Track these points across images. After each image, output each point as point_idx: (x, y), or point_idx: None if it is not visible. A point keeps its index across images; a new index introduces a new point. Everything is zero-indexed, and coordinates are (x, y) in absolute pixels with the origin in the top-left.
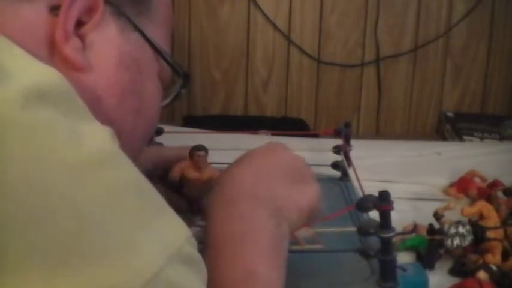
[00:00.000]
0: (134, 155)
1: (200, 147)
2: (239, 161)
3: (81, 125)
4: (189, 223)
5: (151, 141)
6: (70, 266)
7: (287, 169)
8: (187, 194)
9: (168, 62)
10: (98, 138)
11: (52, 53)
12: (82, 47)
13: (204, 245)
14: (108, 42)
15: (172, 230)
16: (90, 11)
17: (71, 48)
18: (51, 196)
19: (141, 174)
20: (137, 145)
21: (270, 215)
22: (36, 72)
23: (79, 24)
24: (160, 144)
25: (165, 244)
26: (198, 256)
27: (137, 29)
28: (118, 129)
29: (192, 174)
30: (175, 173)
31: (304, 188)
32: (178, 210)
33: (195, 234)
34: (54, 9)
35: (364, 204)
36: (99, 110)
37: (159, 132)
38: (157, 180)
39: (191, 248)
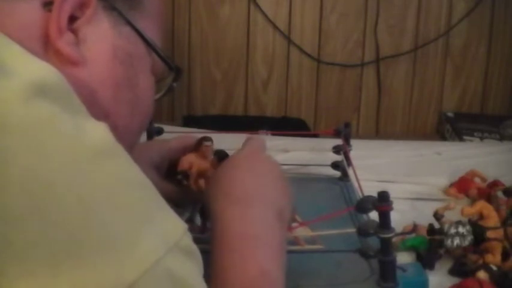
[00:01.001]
0: (128, 150)
1: (207, 138)
2: (233, 164)
3: (80, 119)
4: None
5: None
6: (74, 256)
7: (276, 173)
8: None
9: (159, 56)
10: (99, 130)
11: (46, 48)
12: (76, 42)
13: (210, 244)
14: (101, 37)
15: (171, 223)
16: (82, 6)
17: (64, 43)
18: (56, 187)
19: (139, 167)
20: (132, 139)
21: (276, 217)
22: (36, 69)
23: (72, 19)
24: None
25: (165, 236)
26: (195, 248)
27: (129, 23)
28: (113, 123)
29: (203, 164)
30: (185, 165)
31: (288, 189)
32: (168, 198)
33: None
34: (48, 5)
35: (363, 205)
36: (94, 104)
37: (159, 132)
38: (165, 172)
39: (189, 240)
